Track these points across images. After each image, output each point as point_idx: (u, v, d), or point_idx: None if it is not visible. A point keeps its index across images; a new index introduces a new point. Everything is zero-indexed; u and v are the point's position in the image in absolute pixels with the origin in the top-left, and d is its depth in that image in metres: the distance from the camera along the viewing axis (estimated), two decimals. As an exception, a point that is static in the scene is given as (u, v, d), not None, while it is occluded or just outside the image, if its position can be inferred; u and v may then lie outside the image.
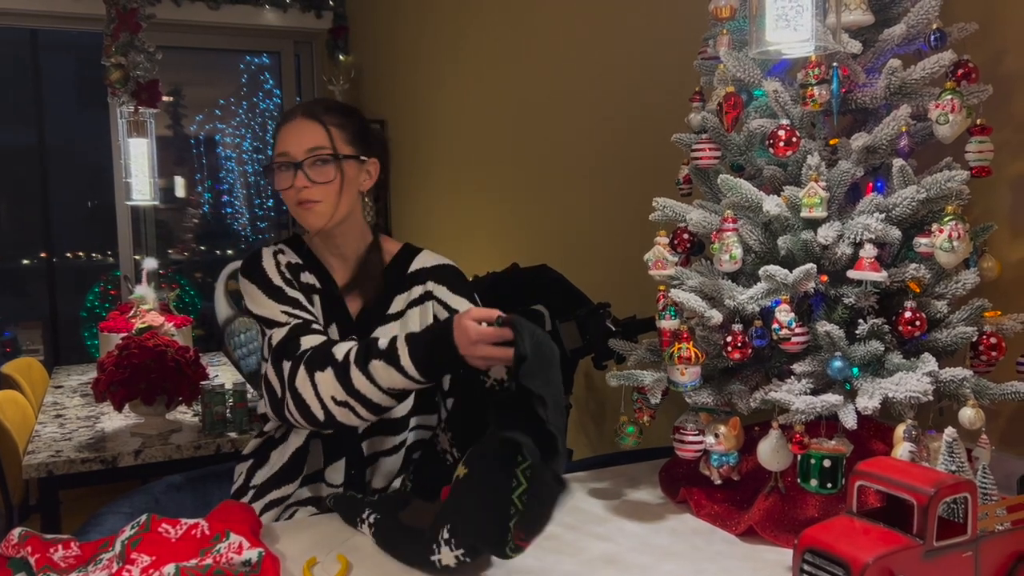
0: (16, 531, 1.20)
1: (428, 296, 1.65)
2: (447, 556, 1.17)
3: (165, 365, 2.46)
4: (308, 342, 1.47)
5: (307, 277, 1.62)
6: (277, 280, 1.57)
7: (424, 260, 1.68)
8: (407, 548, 1.26)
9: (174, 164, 5.39)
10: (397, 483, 1.64)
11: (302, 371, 1.42)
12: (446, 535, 1.18)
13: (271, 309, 1.53)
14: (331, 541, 1.35)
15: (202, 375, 2.56)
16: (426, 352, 1.36)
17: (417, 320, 1.64)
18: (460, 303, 1.63)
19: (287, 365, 1.45)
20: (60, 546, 1.21)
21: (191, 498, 1.74)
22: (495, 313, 1.31)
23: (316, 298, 1.61)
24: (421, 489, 1.58)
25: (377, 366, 1.38)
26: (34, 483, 2.52)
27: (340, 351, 1.42)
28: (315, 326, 1.52)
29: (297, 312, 1.53)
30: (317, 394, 1.41)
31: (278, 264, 1.60)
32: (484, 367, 1.34)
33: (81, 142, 5.12)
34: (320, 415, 1.42)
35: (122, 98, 3.39)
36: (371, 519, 1.36)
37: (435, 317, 1.65)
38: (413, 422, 1.65)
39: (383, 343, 1.40)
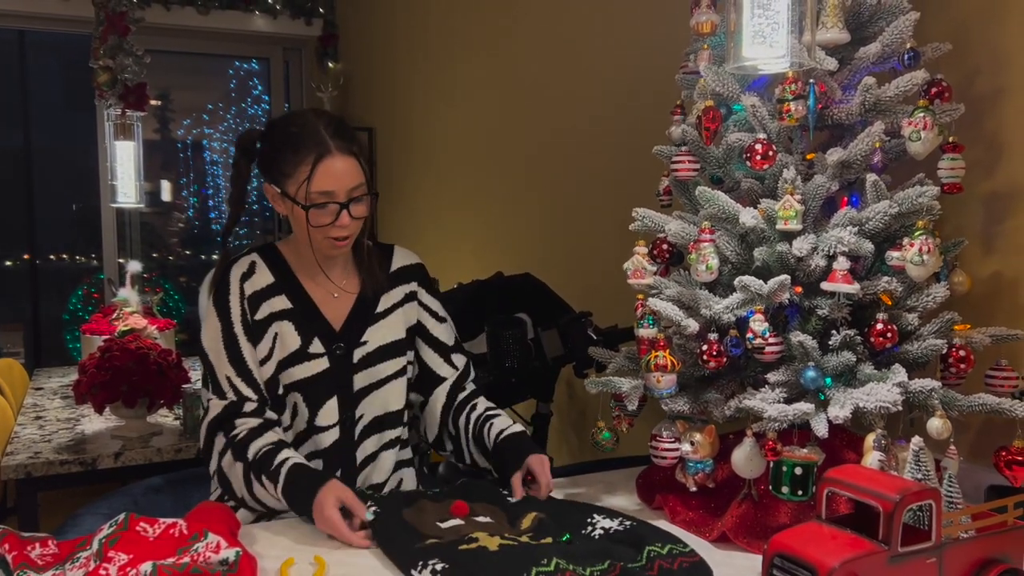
0: (-6, 529, 1.20)
1: (411, 297, 1.70)
2: None
3: (147, 368, 2.45)
4: (242, 425, 1.53)
5: (274, 303, 1.59)
6: (237, 325, 1.56)
7: (402, 258, 1.73)
8: (399, 545, 1.28)
9: (161, 168, 5.38)
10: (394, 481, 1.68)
11: (229, 456, 1.52)
12: (436, 565, 1.19)
13: (218, 368, 1.55)
14: (309, 542, 1.36)
15: (184, 378, 2.55)
16: (296, 488, 1.43)
17: (402, 320, 1.66)
18: (436, 305, 1.72)
19: (219, 441, 1.54)
20: (37, 544, 1.21)
21: (171, 500, 1.74)
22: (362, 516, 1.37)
23: (286, 323, 1.58)
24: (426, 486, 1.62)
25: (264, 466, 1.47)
26: (12, 484, 2.50)
27: (252, 449, 1.50)
28: (248, 405, 1.54)
29: (237, 383, 1.54)
30: (238, 479, 1.51)
31: (243, 295, 1.57)
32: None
33: (67, 144, 5.10)
34: (238, 496, 1.52)
35: (109, 101, 3.38)
36: (371, 511, 1.38)
37: (418, 321, 1.69)
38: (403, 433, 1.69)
39: (284, 455, 1.47)
